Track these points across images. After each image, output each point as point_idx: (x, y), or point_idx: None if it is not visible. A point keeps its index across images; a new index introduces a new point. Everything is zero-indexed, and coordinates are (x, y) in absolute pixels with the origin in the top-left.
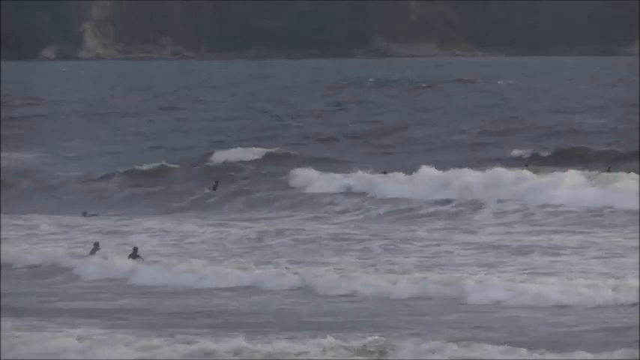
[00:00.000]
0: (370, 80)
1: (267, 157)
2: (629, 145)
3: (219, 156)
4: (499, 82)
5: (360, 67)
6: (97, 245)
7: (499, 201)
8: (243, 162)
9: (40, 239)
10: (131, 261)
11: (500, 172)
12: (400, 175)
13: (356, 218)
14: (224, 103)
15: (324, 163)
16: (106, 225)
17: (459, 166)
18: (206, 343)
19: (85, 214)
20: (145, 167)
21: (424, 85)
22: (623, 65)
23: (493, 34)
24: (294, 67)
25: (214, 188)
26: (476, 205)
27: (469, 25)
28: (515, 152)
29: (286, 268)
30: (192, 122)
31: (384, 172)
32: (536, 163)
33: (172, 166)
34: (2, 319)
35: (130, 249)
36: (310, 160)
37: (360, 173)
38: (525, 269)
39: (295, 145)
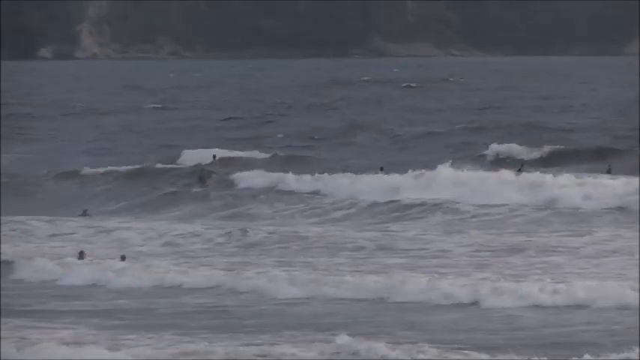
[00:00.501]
0: (365, 78)
1: (235, 158)
2: (613, 142)
3: (189, 156)
4: (488, 81)
5: (355, 66)
6: (82, 254)
7: (480, 201)
8: (209, 163)
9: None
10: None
11: (478, 172)
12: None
13: (335, 216)
14: (205, 102)
15: (297, 163)
16: (86, 225)
17: (433, 165)
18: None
19: (84, 212)
20: (123, 166)
21: (413, 84)
22: (621, 65)
23: (491, 34)
24: (289, 67)
25: (202, 182)
26: (448, 206)
27: (466, 25)
28: (497, 150)
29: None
30: (170, 122)
31: (381, 169)
32: (527, 163)
33: (131, 166)
34: None
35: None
36: (283, 159)
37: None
38: (515, 270)
39: (272, 146)
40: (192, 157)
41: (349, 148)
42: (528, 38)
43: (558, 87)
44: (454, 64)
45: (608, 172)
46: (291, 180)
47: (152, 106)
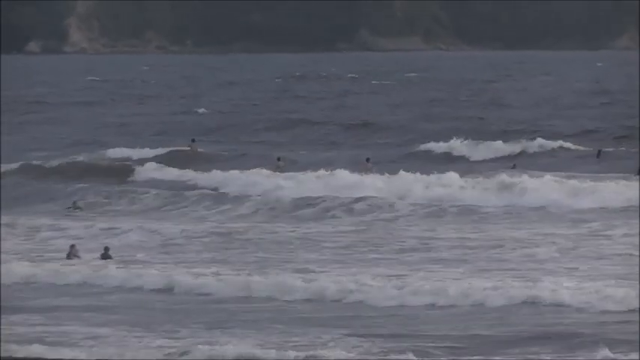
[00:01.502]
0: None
1: (163, 155)
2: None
3: (112, 154)
4: (462, 76)
5: (336, 61)
6: (73, 247)
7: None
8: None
9: None
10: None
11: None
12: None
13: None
14: (178, 96)
15: (222, 160)
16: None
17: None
18: None
19: (74, 204)
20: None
21: (377, 80)
22: (605, 58)
23: (481, 29)
24: (269, 62)
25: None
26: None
27: (455, 20)
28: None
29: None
30: (128, 117)
31: (367, 159)
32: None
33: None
34: None
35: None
36: (206, 157)
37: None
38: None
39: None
40: (118, 154)
41: (290, 144)
42: (517, 33)
43: (534, 81)
44: (441, 58)
45: (598, 156)
46: (192, 176)
47: (120, 99)
